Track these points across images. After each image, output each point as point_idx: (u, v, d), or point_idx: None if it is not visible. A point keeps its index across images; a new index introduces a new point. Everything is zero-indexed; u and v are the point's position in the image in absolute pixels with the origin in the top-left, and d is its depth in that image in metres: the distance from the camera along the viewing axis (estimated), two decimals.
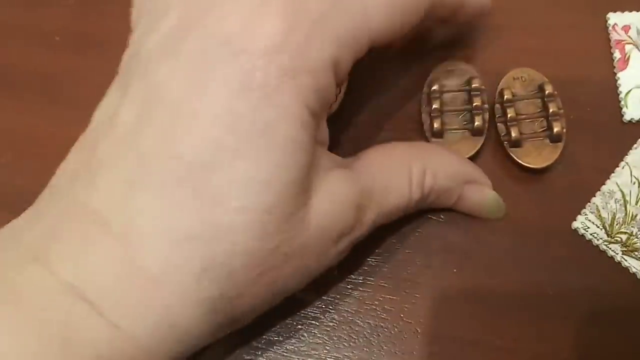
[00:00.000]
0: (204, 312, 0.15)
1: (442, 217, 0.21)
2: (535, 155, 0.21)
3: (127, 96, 0.15)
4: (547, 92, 0.21)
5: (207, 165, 0.14)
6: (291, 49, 0.14)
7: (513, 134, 0.21)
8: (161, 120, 0.14)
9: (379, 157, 0.19)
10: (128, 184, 0.14)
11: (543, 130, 0.21)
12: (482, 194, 0.20)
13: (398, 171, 0.18)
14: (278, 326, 0.21)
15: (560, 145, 0.21)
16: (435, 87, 0.22)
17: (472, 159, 0.21)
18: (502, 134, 0.21)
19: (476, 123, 0.21)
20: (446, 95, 0.22)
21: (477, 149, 0.21)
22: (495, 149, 0.22)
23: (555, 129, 0.21)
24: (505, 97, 0.21)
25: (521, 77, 0.22)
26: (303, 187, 0.15)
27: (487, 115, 0.21)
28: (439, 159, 0.19)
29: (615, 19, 0.24)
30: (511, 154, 0.21)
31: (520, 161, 0.21)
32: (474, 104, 0.21)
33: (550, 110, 0.21)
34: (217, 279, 0.14)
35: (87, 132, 0.17)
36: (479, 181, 0.20)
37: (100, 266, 0.14)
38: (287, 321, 0.21)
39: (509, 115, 0.21)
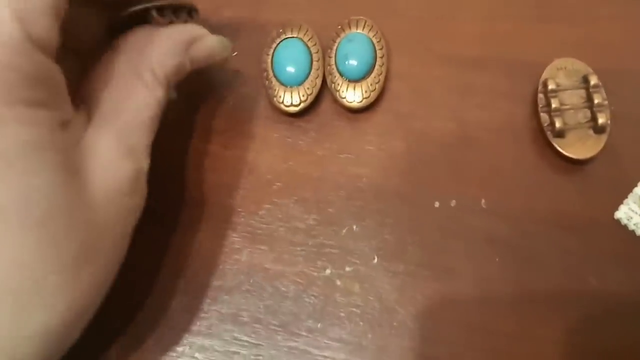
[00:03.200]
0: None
1: (483, 206, 0.21)
2: (579, 146, 0.21)
3: None
4: (592, 83, 0.21)
5: None
6: None
7: (557, 124, 0.21)
8: None
9: (109, 88, 0.18)
10: None
11: (587, 121, 0.21)
12: (205, 45, 0.20)
13: (134, 89, 0.18)
14: (319, 314, 0.21)
15: (605, 136, 0.21)
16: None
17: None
18: (546, 124, 0.21)
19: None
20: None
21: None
22: (537, 139, 0.22)
23: (600, 120, 0.21)
24: (550, 87, 0.21)
25: (565, 67, 0.22)
26: (70, 174, 0.15)
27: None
28: (155, 46, 0.19)
29: None
30: (554, 145, 0.21)
31: (563, 152, 0.21)
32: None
33: (595, 102, 0.21)
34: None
35: None
36: (197, 37, 0.20)
37: None
38: (329, 309, 0.21)
39: (553, 106, 0.21)
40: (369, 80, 0.23)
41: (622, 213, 0.21)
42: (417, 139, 0.23)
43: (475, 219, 0.21)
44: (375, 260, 0.21)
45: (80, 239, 0.15)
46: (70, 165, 0.15)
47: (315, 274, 0.21)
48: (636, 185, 0.21)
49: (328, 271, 0.21)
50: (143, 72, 0.18)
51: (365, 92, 0.22)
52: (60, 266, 0.14)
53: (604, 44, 0.23)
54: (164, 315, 0.21)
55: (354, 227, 0.22)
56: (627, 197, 0.21)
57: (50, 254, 0.14)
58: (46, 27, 0.14)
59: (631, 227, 0.21)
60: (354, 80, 0.23)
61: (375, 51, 0.23)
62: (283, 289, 0.21)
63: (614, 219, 0.21)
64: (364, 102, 0.22)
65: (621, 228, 0.21)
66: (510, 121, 0.22)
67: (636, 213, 0.21)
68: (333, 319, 0.21)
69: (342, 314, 0.21)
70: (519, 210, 0.21)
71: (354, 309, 0.21)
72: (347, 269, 0.21)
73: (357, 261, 0.21)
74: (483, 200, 0.22)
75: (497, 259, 0.21)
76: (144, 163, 0.18)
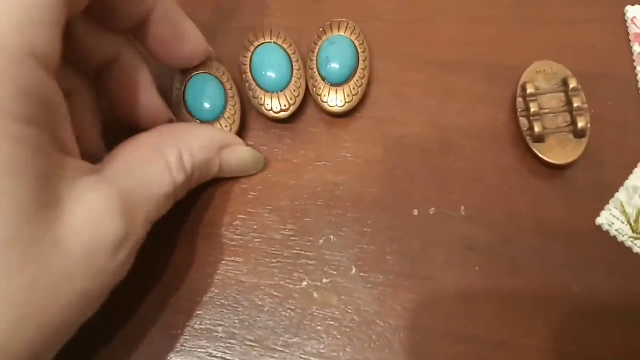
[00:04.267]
0: None
1: (463, 213, 0.21)
2: (559, 151, 0.21)
3: None
4: (571, 86, 0.21)
5: None
6: None
7: (536, 129, 0.20)
8: None
9: (130, 153, 0.18)
10: None
11: (567, 126, 0.21)
12: (238, 153, 0.21)
13: (154, 161, 0.18)
14: (296, 328, 0.20)
15: (585, 140, 0.21)
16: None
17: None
18: (525, 129, 0.21)
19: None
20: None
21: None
22: (517, 144, 0.22)
23: (580, 124, 0.20)
24: (528, 91, 0.21)
25: (544, 70, 0.22)
26: (43, 206, 0.14)
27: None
28: (189, 136, 0.19)
29: (633, 12, 0.23)
30: (534, 150, 0.21)
31: (543, 157, 0.21)
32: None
33: (575, 105, 0.21)
34: None
35: None
36: (232, 143, 0.21)
37: None
38: (306, 322, 0.20)
39: (532, 110, 0.21)
40: (351, 84, 0.22)
41: (604, 219, 0.20)
42: (395, 146, 0.22)
43: (455, 226, 0.21)
44: (354, 271, 0.21)
45: (32, 275, 0.13)
46: (46, 196, 0.14)
47: (292, 286, 0.20)
48: (617, 191, 0.21)
49: (305, 283, 0.21)
50: (170, 153, 0.18)
51: (348, 96, 0.22)
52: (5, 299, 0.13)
53: (584, 47, 0.23)
54: (136, 332, 0.20)
55: (332, 237, 0.21)
56: (608, 203, 0.21)
57: None
58: (46, 40, 0.14)
59: (613, 233, 0.20)
60: (336, 84, 0.22)
61: (357, 54, 0.22)
62: (259, 302, 0.20)
63: (595, 225, 0.20)
64: (346, 107, 0.22)
65: (603, 234, 0.20)
66: (491, 126, 0.22)
67: (618, 219, 0.20)
68: (310, 333, 0.20)
69: (320, 328, 0.20)
70: (499, 217, 0.21)
71: (332, 322, 0.20)
72: (325, 280, 0.21)
73: (335, 272, 0.21)
74: (463, 207, 0.21)
75: (477, 268, 0.20)
76: (139, 235, 0.16)
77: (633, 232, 0.20)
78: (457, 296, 0.20)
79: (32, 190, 0.13)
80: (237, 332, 0.20)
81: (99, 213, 0.15)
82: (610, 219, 0.20)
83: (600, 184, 0.21)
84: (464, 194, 0.21)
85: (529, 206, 0.21)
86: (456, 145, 0.22)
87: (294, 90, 0.22)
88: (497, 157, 0.22)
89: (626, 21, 0.23)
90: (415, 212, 0.21)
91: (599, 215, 0.20)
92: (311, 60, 0.22)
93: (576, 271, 0.20)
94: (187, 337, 0.20)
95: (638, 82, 0.22)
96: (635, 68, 0.22)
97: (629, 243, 0.20)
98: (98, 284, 0.15)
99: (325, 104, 0.22)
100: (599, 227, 0.20)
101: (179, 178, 0.18)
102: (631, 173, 0.21)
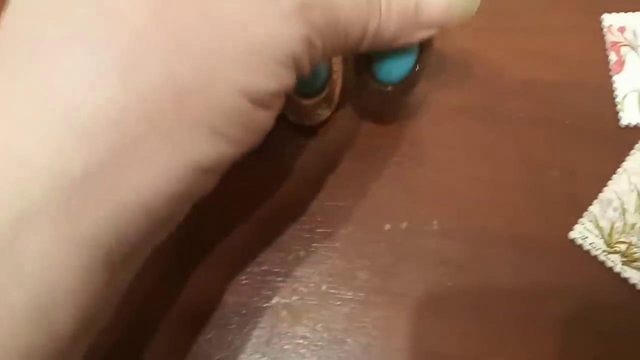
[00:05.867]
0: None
1: (435, 227, 0.21)
2: None
3: None
4: None
5: None
6: None
7: None
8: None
9: None
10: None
11: None
12: None
13: None
14: (264, 347, 0.19)
15: None
16: None
17: None
18: None
19: None
20: None
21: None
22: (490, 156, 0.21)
23: None
24: None
25: None
26: None
27: None
28: None
29: (610, 20, 0.23)
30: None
31: None
32: None
33: None
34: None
35: None
36: None
37: None
38: (274, 341, 0.19)
39: None
40: (324, 95, 0.21)
41: (577, 233, 0.20)
42: (367, 157, 0.22)
43: (428, 241, 0.20)
44: (324, 287, 0.20)
45: None
46: None
47: (260, 304, 0.20)
48: (592, 204, 0.20)
49: (274, 300, 0.20)
50: None
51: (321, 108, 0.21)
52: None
53: (556, 55, 0.22)
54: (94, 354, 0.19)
55: (301, 252, 0.21)
56: (582, 216, 0.20)
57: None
58: None
59: (586, 247, 0.20)
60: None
61: (330, 64, 0.22)
62: (225, 320, 0.20)
63: (569, 238, 0.20)
64: (319, 118, 0.21)
65: (576, 248, 0.20)
66: (464, 137, 0.22)
67: (591, 232, 0.20)
68: (278, 352, 0.19)
69: (288, 347, 0.19)
70: (472, 231, 0.20)
71: (300, 341, 0.19)
72: (294, 297, 0.20)
73: (305, 289, 0.20)
74: (435, 222, 0.21)
75: (449, 283, 0.20)
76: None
77: (607, 246, 0.20)
78: (429, 313, 0.20)
79: None
80: (203, 351, 0.19)
81: None
82: (584, 233, 0.20)
83: (574, 196, 0.21)
84: (437, 207, 0.21)
85: (502, 220, 0.20)
86: (429, 157, 0.21)
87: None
88: (470, 170, 0.21)
89: (602, 29, 0.23)
90: (387, 227, 0.21)
91: (572, 229, 0.20)
92: None
93: (550, 286, 0.20)
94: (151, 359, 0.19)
95: (614, 91, 0.22)
96: (611, 77, 0.22)
97: (602, 257, 0.20)
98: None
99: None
100: (573, 241, 0.20)
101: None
102: (605, 186, 0.20)
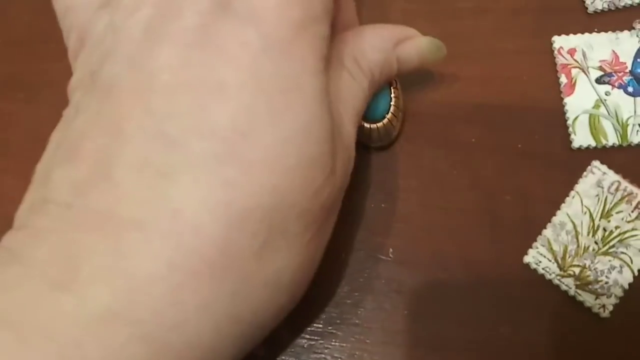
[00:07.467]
0: (270, 292, 0.14)
1: (390, 255, 0.21)
2: None
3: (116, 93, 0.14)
4: None
5: (246, 133, 0.13)
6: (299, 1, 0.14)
7: None
8: (185, 101, 0.13)
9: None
10: (159, 174, 0.13)
11: None
12: (414, 44, 0.19)
13: (337, 72, 0.17)
14: None
15: None
16: None
17: None
18: None
19: None
20: None
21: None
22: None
23: None
24: None
25: None
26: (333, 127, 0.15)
27: None
28: (359, 39, 0.18)
29: (560, 42, 0.23)
30: None
31: None
32: None
33: None
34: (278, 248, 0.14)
35: (60, 139, 0.15)
36: (407, 35, 0.19)
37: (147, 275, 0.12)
38: None
39: None
40: None
41: (531, 257, 0.20)
42: None
43: (384, 269, 0.20)
44: None
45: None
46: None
47: None
48: (545, 227, 0.20)
49: None
50: (345, 59, 0.17)
51: None
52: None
53: (507, 79, 0.22)
54: None
55: None
56: (535, 240, 0.20)
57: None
58: None
59: (540, 271, 0.20)
60: None
61: None
62: None
63: (523, 263, 0.20)
64: None
65: (531, 272, 0.20)
66: (416, 164, 0.22)
67: (545, 257, 0.20)
68: None
69: None
70: (426, 258, 0.20)
71: None
72: None
73: None
74: (390, 250, 0.21)
75: (405, 312, 0.20)
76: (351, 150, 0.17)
77: (560, 270, 0.20)
78: (386, 343, 0.20)
79: (329, 115, 0.15)
80: None
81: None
82: (538, 257, 0.20)
83: (528, 220, 0.21)
84: (391, 235, 0.21)
85: (456, 246, 0.20)
86: (382, 186, 0.21)
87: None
88: (422, 197, 0.21)
89: (553, 51, 0.23)
90: (343, 256, 0.21)
91: (526, 254, 0.20)
92: None
93: (504, 311, 0.20)
94: None
95: (565, 113, 0.22)
96: (562, 100, 0.22)
97: (556, 281, 0.20)
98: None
99: None
100: (527, 265, 0.20)
101: (364, 84, 0.18)
102: (558, 209, 0.21)
